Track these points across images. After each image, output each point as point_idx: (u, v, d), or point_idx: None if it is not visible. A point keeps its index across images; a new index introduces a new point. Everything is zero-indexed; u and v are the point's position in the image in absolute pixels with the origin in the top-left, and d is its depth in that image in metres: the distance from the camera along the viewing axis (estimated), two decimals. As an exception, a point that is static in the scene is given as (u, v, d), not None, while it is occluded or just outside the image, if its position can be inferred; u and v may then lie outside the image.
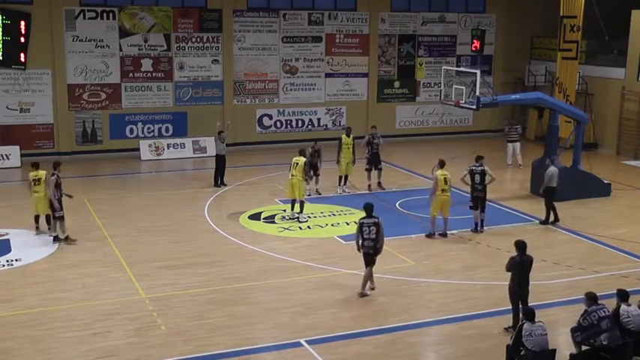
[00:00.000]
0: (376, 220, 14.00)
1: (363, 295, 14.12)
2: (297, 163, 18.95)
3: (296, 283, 14.90)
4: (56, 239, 17.03)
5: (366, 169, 22.21)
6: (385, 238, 17.56)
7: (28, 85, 26.41)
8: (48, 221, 17.40)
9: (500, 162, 25.57)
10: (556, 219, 19.20)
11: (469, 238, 17.91)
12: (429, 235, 17.81)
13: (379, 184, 22.35)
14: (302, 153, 19.43)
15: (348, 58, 30.63)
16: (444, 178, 17.63)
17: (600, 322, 10.87)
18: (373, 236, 13.91)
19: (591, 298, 11.17)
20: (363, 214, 14.54)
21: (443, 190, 17.61)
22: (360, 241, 13.99)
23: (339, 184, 22.00)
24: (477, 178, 18.15)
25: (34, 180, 17.41)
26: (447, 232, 17.95)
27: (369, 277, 14.20)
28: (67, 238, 17.08)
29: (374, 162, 22.11)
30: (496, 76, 32.49)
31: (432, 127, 32.33)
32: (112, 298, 13.94)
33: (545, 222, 19.12)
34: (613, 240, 17.83)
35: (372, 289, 14.39)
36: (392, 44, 31.38)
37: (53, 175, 16.96)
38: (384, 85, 31.50)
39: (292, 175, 18.99)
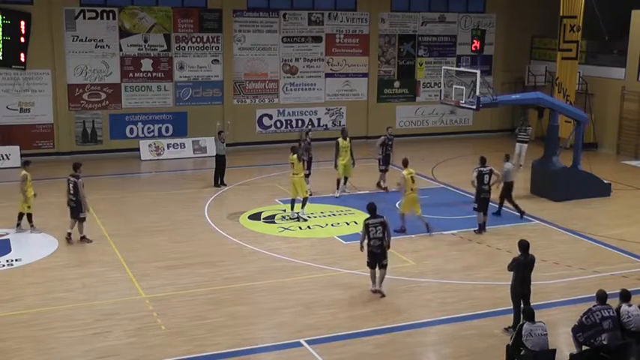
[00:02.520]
0: (382, 220, 14.09)
1: (377, 291, 14.20)
2: (293, 163, 19.00)
3: (296, 283, 14.90)
4: (83, 239, 17.20)
5: (381, 170, 22.08)
6: (385, 238, 17.64)
7: (28, 85, 26.41)
8: (20, 218, 17.88)
9: (500, 161, 25.46)
10: (499, 212, 19.59)
11: (469, 238, 17.91)
12: (402, 230, 17.88)
13: (378, 184, 22.27)
14: (294, 150, 19.43)
15: (348, 58, 30.64)
16: (411, 177, 17.81)
17: (603, 321, 10.85)
18: (380, 235, 14.00)
19: (599, 297, 11.15)
20: (363, 213, 14.56)
21: (411, 189, 17.77)
22: (367, 241, 14.05)
23: (337, 188, 21.51)
24: (486, 178, 18.15)
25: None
26: (433, 230, 18.07)
27: (382, 277, 14.25)
28: (69, 235, 17.17)
29: (386, 163, 21.99)
30: (496, 76, 32.48)
31: (432, 127, 32.33)
32: (112, 298, 13.94)
33: (521, 215, 19.50)
34: (613, 240, 17.83)
35: (374, 291, 14.27)
36: (392, 44, 31.39)
37: (78, 177, 17.03)
38: (384, 85, 31.51)
39: (293, 173, 19.03)
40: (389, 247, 14.23)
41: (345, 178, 21.76)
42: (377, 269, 14.19)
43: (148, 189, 23.21)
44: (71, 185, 17.04)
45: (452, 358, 11.97)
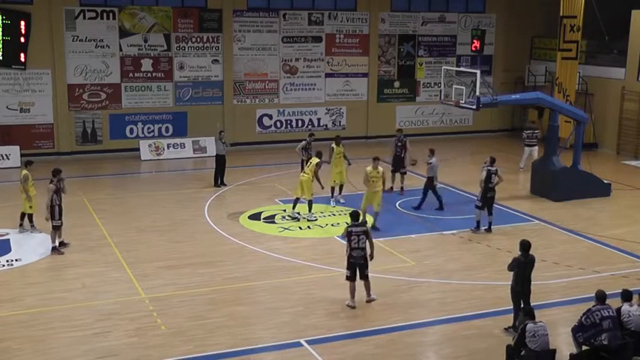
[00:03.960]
0: (365, 229, 13.50)
1: (352, 306, 13.62)
2: (311, 162, 19.00)
3: (296, 283, 14.90)
4: (54, 249, 16.50)
5: (391, 172, 21.84)
6: (386, 239, 17.65)
7: (28, 85, 26.41)
8: (22, 218, 17.83)
9: (500, 161, 25.43)
10: (419, 206, 19.96)
11: (469, 238, 17.91)
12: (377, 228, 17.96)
13: (401, 189, 21.82)
14: (318, 155, 19.45)
15: (348, 58, 30.64)
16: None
17: (602, 321, 10.85)
18: (362, 245, 13.37)
19: (598, 297, 11.15)
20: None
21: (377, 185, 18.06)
22: (348, 251, 13.47)
23: (332, 196, 20.75)
24: (493, 178, 18.15)
25: None
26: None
27: (369, 286, 13.79)
28: (54, 248, 16.54)
29: (396, 165, 21.83)
30: (496, 76, 32.50)
31: (432, 127, 32.32)
32: (112, 298, 13.93)
33: (440, 207, 19.99)
34: (613, 240, 17.83)
35: (353, 307, 13.66)
36: (392, 44, 31.39)
37: (51, 182, 16.46)
38: (384, 85, 31.51)
39: (304, 173, 19.02)
40: (372, 258, 13.63)
41: (340, 187, 21.01)
42: (359, 281, 13.51)
43: (148, 189, 23.21)
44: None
45: (452, 358, 11.96)
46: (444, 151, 28.52)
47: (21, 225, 17.89)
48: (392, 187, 21.78)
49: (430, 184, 20.11)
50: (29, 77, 26.39)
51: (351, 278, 13.56)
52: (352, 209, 19.85)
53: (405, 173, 22.06)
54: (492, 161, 18.39)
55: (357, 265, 13.47)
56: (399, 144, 21.80)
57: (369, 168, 18.07)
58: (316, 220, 19.01)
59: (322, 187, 19.71)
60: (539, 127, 27.56)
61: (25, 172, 17.68)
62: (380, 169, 18.17)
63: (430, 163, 20.03)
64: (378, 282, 14.75)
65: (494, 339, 12.32)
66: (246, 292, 14.41)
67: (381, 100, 31.46)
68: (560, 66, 27.12)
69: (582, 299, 13.52)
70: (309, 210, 19.09)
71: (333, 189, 20.86)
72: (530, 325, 10.51)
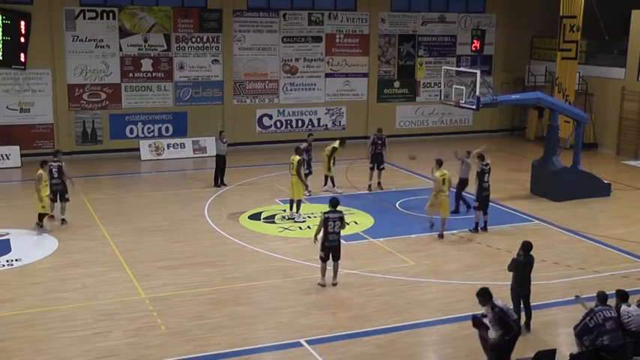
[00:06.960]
0: (340, 215, 14.48)
1: (334, 284, 14.52)
2: (292, 162, 18.98)
3: (296, 283, 14.90)
4: (64, 221, 18.31)
5: (370, 168, 22.18)
6: (385, 238, 17.67)
7: (28, 85, 26.41)
8: (40, 219, 17.85)
9: (500, 161, 25.49)
10: (457, 209, 19.66)
11: (469, 238, 17.90)
12: (440, 235, 17.75)
13: (379, 184, 22.31)
14: (297, 151, 19.44)
15: (348, 58, 30.64)
16: (443, 179, 17.60)
17: (605, 322, 10.81)
18: (337, 230, 14.36)
19: (600, 298, 11.12)
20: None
21: (441, 191, 17.59)
22: (324, 235, 14.33)
23: (334, 186, 21.89)
24: (486, 177, 18.11)
25: None
26: (444, 232, 17.84)
27: (337, 269, 14.59)
28: (63, 220, 18.40)
29: (376, 161, 22.07)
30: (496, 76, 32.50)
31: (432, 127, 32.33)
32: (112, 298, 13.93)
33: (468, 208, 19.65)
34: (613, 240, 17.83)
35: (324, 285, 14.56)
36: (392, 44, 31.39)
37: (60, 161, 18.49)
38: (384, 85, 31.52)
39: (291, 174, 19.06)
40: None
41: (326, 177, 22.06)
42: (332, 262, 14.50)
43: (148, 189, 23.21)
44: (54, 170, 18.05)
45: (452, 358, 11.96)
46: (444, 152, 28.48)
47: (41, 226, 17.76)
48: (370, 185, 22.19)
49: (463, 186, 19.68)
50: (29, 77, 26.39)
51: (324, 259, 14.49)
52: (351, 209, 20.07)
53: (384, 169, 22.35)
54: (482, 158, 18.31)
55: (332, 247, 14.41)
56: (379, 142, 22.05)
57: (439, 173, 17.78)
58: (304, 221, 18.91)
59: (307, 188, 20.02)
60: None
61: (40, 172, 17.72)
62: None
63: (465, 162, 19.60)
64: (378, 282, 14.79)
65: (494, 339, 12.30)
66: (246, 292, 14.41)
67: (381, 100, 31.46)
68: (560, 66, 27.13)
69: (582, 299, 13.49)
70: (297, 210, 19.08)
71: (332, 178, 21.99)
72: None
